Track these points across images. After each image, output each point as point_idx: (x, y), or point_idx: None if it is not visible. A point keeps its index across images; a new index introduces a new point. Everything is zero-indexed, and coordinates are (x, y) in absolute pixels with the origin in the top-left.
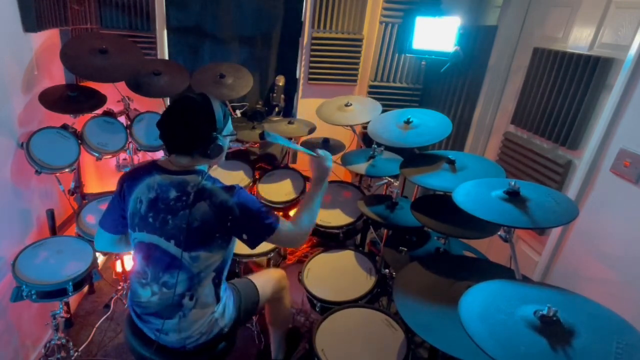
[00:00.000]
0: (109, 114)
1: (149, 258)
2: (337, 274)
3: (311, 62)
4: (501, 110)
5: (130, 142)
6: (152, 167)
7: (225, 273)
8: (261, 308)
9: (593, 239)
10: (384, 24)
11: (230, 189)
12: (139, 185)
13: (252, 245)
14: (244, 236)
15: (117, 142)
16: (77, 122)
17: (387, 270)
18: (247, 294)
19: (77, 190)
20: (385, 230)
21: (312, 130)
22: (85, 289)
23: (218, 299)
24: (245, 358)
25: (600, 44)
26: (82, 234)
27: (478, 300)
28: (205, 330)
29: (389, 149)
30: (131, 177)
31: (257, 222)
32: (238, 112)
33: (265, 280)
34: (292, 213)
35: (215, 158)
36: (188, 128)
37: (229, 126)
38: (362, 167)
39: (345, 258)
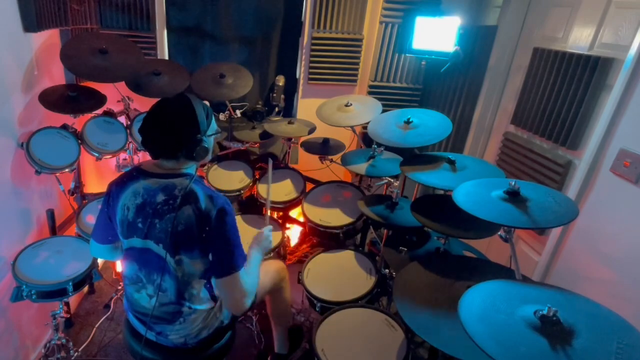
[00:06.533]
0: (109, 114)
1: (142, 262)
2: (337, 274)
3: (311, 62)
4: (501, 110)
5: (130, 142)
6: (136, 173)
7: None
8: (260, 298)
9: (593, 239)
10: (384, 24)
11: (214, 198)
12: (124, 192)
13: (214, 272)
14: (210, 256)
15: (117, 142)
16: (77, 122)
17: (387, 270)
18: None
19: (77, 190)
20: (385, 230)
21: (312, 130)
22: (85, 289)
23: (214, 298)
24: (245, 358)
25: (600, 44)
26: (82, 234)
27: (478, 301)
28: (205, 324)
29: (389, 149)
30: (116, 185)
31: (227, 245)
32: (238, 112)
33: (263, 272)
34: (292, 213)
35: (202, 159)
36: (171, 133)
37: (213, 125)
38: (362, 167)
39: (345, 258)
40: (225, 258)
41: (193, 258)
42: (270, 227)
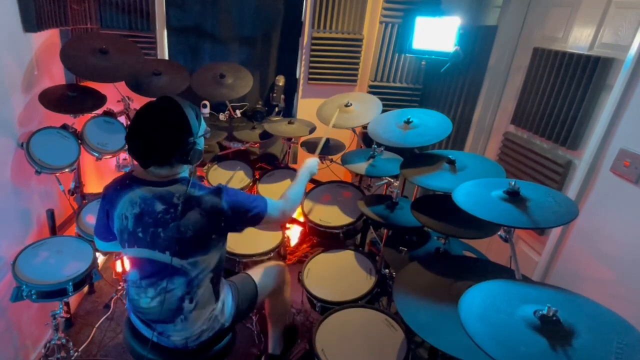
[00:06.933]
0: (109, 114)
1: (145, 271)
2: (337, 274)
3: (311, 62)
4: (501, 110)
5: None
6: (130, 181)
7: (221, 270)
8: (261, 301)
9: (593, 239)
10: (384, 24)
11: (217, 191)
12: (120, 201)
13: (252, 226)
14: (238, 227)
15: (117, 142)
16: (77, 122)
17: (387, 270)
18: (245, 288)
19: (77, 190)
20: (385, 230)
21: (312, 130)
22: (85, 289)
23: (217, 296)
24: (245, 358)
25: (600, 44)
26: (82, 234)
27: (478, 301)
28: (207, 327)
29: (389, 149)
30: (111, 193)
31: (248, 213)
32: (238, 112)
33: (264, 273)
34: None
35: (197, 161)
36: (164, 140)
37: (203, 124)
38: (362, 167)
39: (345, 258)
40: (251, 218)
41: (208, 253)
42: (317, 159)
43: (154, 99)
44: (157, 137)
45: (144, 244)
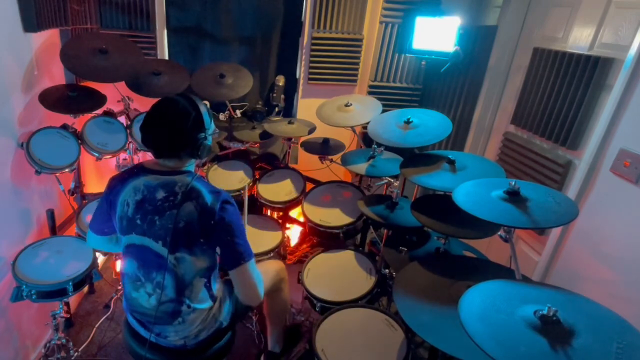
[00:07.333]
0: (109, 114)
1: (140, 260)
2: (337, 274)
3: (311, 62)
4: (501, 110)
5: (130, 142)
6: (138, 170)
7: (214, 276)
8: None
9: (593, 239)
10: (384, 24)
11: (217, 192)
12: (125, 188)
13: (225, 264)
14: (218, 250)
15: (117, 142)
16: (77, 122)
17: (387, 270)
18: None
19: (77, 190)
20: (385, 230)
21: (312, 130)
22: (85, 289)
23: (213, 298)
24: (245, 358)
25: (600, 44)
26: (82, 234)
27: (478, 300)
28: (204, 326)
29: (389, 149)
30: (117, 181)
31: (235, 238)
32: (238, 112)
33: (262, 272)
34: (292, 213)
35: (206, 157)
36: (178, 133)
37: (212, 124)
38: (362, 167)
39: (345, 258)
40: (234, 250)
41: (194, 255)
42: None
43: (153, 99)
44: (172, 129)
45: (140, 231)
